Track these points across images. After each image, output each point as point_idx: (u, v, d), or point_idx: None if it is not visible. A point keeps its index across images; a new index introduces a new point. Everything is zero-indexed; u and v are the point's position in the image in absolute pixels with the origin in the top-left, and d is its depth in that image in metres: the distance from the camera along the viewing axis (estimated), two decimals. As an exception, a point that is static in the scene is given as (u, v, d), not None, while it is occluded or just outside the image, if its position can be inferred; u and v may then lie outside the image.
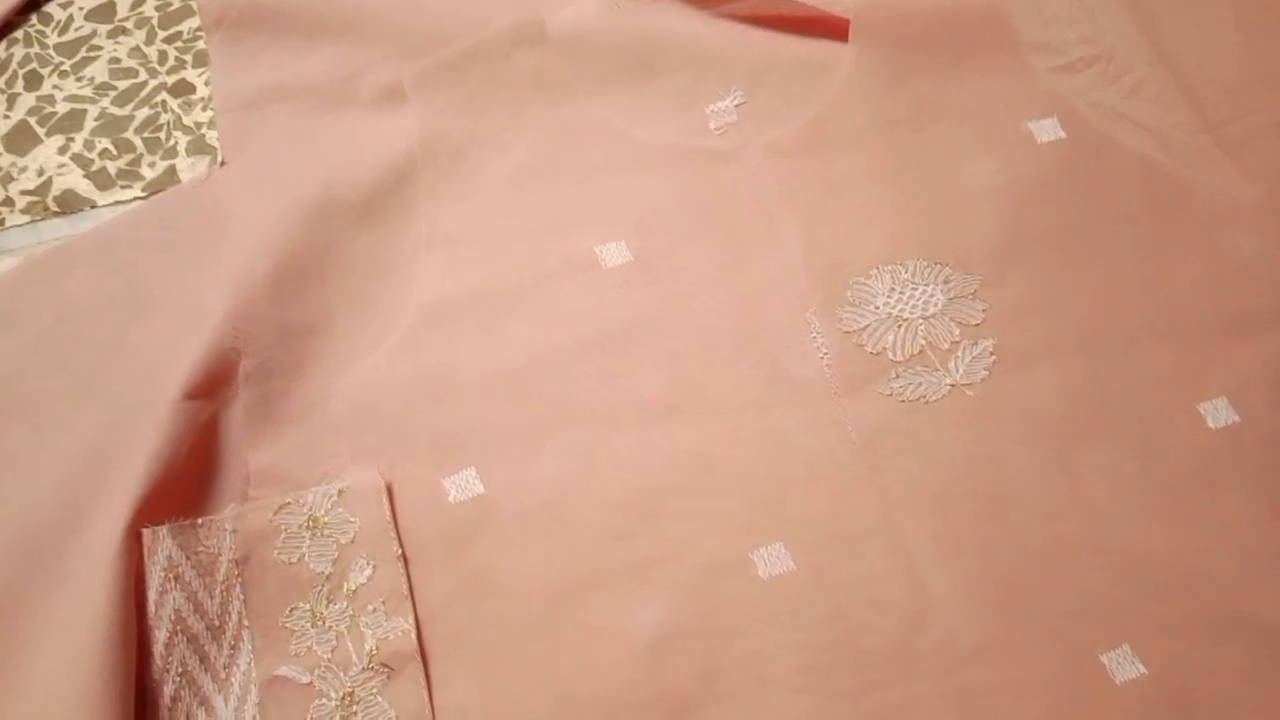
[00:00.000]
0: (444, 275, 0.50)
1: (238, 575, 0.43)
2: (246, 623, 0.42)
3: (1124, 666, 0.42)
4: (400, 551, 0.44)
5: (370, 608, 0.43)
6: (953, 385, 0.47)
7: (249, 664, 0.41)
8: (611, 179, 0.52)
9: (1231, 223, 0.50)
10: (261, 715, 0.40)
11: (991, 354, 0.48)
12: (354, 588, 0.43)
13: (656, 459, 0.46)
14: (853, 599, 0.44)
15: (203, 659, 0.41)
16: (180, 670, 0.41)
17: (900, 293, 0.49)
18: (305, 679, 0.41)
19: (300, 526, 0.44)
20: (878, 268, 0.50)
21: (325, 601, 0.43)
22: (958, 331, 0.48)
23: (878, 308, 0.49)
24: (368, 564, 0.43)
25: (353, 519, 0.45)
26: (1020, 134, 0.52)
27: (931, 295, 0.49)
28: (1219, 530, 0.44)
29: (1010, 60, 0.54)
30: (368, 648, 0.42)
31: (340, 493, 0.45)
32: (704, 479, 0.46)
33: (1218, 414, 0.46)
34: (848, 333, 0.49)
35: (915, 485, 0.45)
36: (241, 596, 0.42)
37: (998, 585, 0.43)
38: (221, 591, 0.42)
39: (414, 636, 0.42)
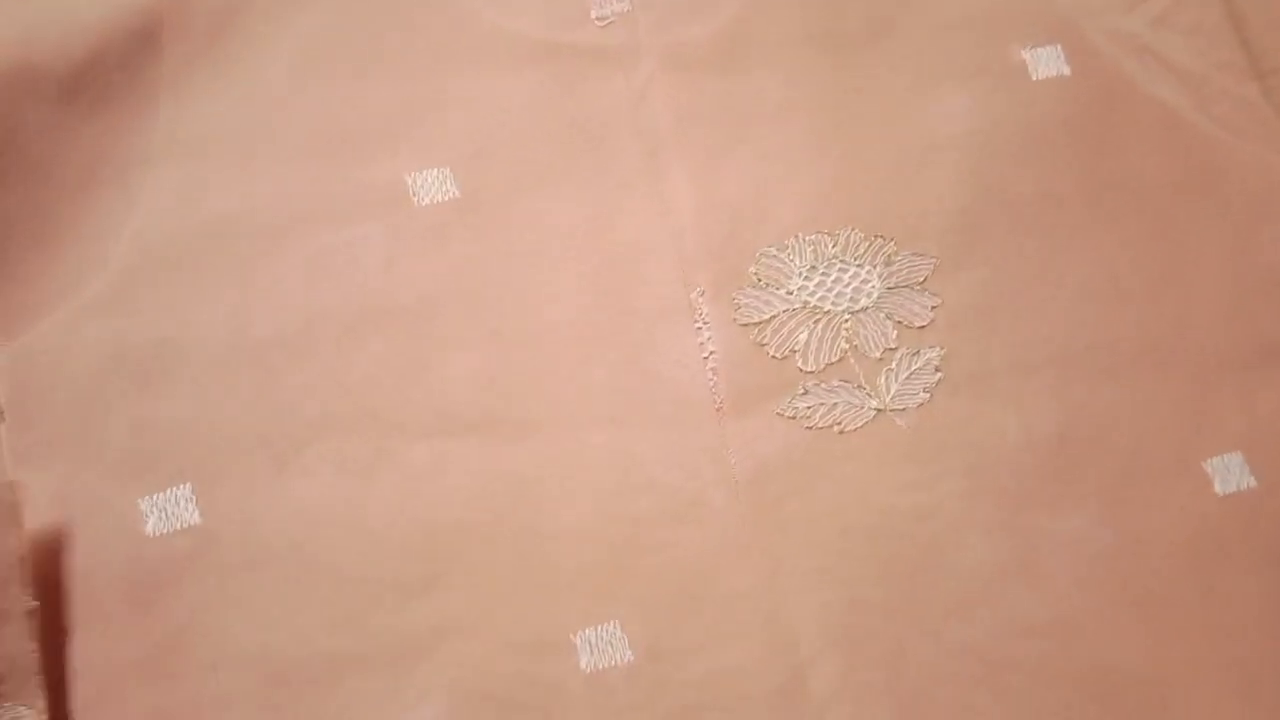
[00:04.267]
0: (178, 199, 0.37)
1: None
2: None
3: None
4: (33, 605, 0.31)
5: None
6: (879, 410, 0.35)
7: None
8: (441, 79, 0.39)
9: (1271, 212, 0.38)
10: None
11: (936, 369, 0.35)
12: None
13: (456, 486, 0.34)
14: (707, 702, 0.32)
15: None
16: None
17: (824, 274, 0.36)
18: None
19: None
20: (796, 236, 0.37)
21: None
22: (895, 335, 0.36)
23: (791, 293, 0.36)
24: None
25: None
26: (1009, 64, 0.39)
27: (865, 280, 0.36)
28: (1213, 643, 0.33)
29: (1005, -39, 0.40)
30: None
31: None
32: (520, 519, 0.34)
33: (1229, 475, 0.35)
34: (745, 326, 0.36)
35: (811, 546, 0.34)
36: None
37: (904, 696, 0.32)
38: None
39: None
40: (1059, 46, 0.39)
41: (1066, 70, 0.39)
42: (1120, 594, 0.34)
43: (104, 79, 0.38)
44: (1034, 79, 0.39)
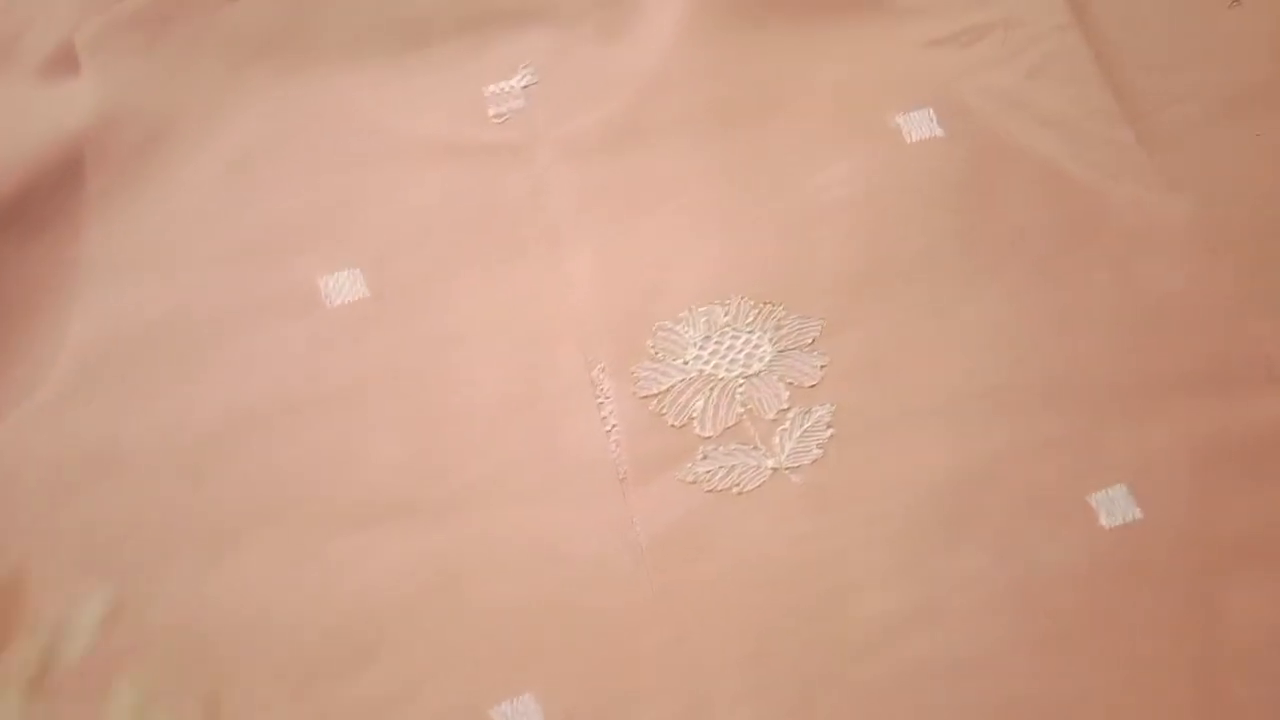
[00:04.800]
0: (112, 311, 0.38)
1: None
2: None
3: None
4: None
5: None
6: (775, 469, 0.36)
7: None
8: (348, 182, 0.41)
9: (1150, 249, 0.40)
10: None
11: (828, 426, 0.37)
12: None
13: (383, 569, 0.35)
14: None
15: None
16: None
17: (717, 342, 0.38)
18: None
19: None
20: (690, 308, 0.39)
21: None
22: (786, 396, 0.37)
23: (686, 363, 0.38)
24: None
25: None
26: (885, 129, 0.41)
27: (757, 346, 0.38)
28: (1112, 672, 0.34)
29: (879, 32, 0.42)
30: None
31: None
32: (442, 598, 0.35)
33: (1114, 507, 0.36)
34: (645, 398, 0.37)
35: (717, 605, 0.35)
36: None
37: None
38: None
39: None
40: (930, 110, 0.41)
41: (940, 131, 0.41)
42: (1019, 630, 0.34)
43: (33, 211, 0.40)
44: (909, 142, 0.41)
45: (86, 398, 0.37)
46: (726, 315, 0.38)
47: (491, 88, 0.42)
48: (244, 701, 0.34)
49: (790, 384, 0.37)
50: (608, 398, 0.38)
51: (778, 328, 0.38)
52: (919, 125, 0.41)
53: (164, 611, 0.34)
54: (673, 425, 0.37)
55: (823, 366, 0.38)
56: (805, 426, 0.37)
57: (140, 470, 0.36)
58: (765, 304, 0.38)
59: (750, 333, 0.38)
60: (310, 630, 0.34)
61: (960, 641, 0.34)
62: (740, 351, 0.38)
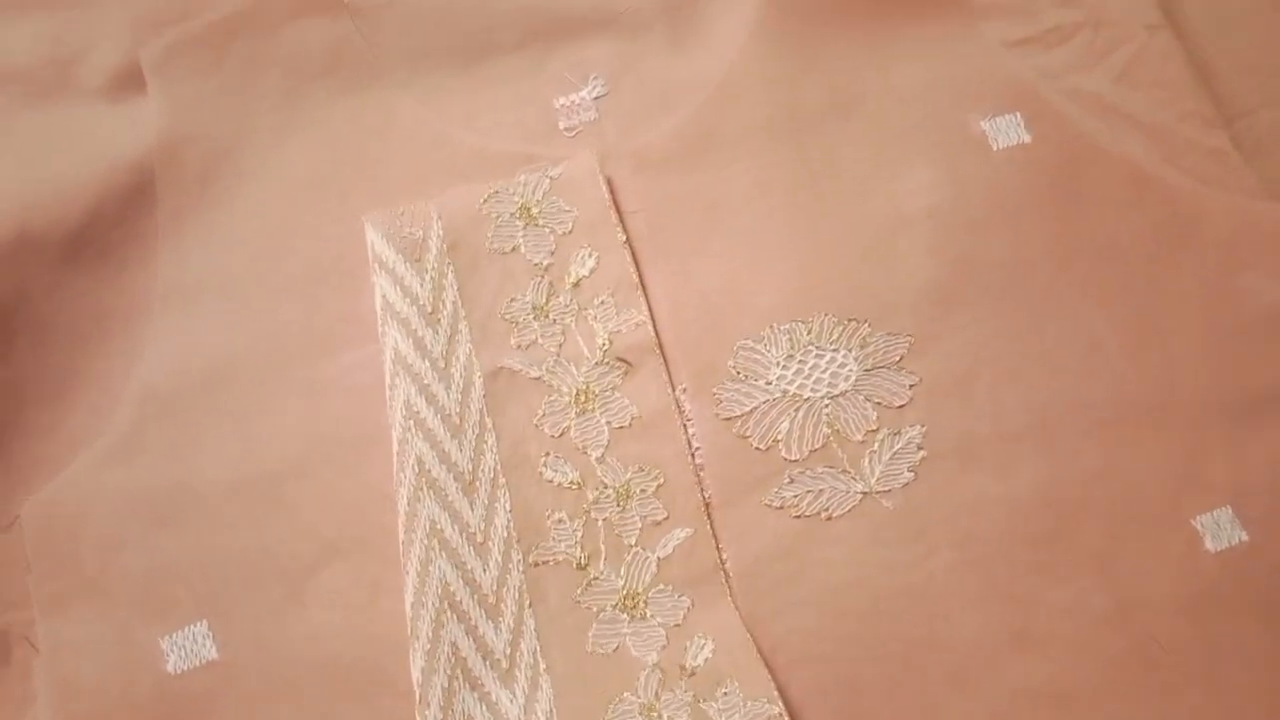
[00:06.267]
0: (181, 344, 0.38)
1: (449, 262, 0.38)
2: (463, 311, 0.38)
3: None
4: (625, 239, 0.39)
5: (598, 300, 0.38)
6: (865, 493, 0.35)
7: (469, 354, 0.37)
8: (420, 199, 0.39)
9: (1248, 258, 0.38)
10: (490, 408, 0.37)
11: (920, 448, 0.36)
12: (576, 280, 0.39)
13: None
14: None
15: (417, 344, 0.37)
16: (394, 354, 0.37)
17: (801, 361, 0.37)
18: (534, 373, 0.37)
19: (512, 215, 0.39)
20: (771, 326, 0.38)
21: (546, 294, 0.38)
22: (875, 416, 0.36)
23: (770, 383, 0.37)
24: (590, 255, 0.39)
25: (569, 208, 0.39)
26: (969, 136, 0.39)
27: (842, 365, 0.37)
28: (1218, 701, 0.33)
29: (959, 32, 0.41)
30: (599, 342, 0.37)
31: (552, 181, 0.40)
32: None
33: (1219, 531, 0.35)
34: (728, 420, 0.36)
35: (806, 633, 0.34)
36: (455, 284, 0.38)
37: None
38: (432, 279, 0.38)
39: (650, 329, 0.38)
40: (1018, 114, 0.39)
41: (1027, 137, 0.39)
42: (1121, 657, 0.33)
43: (103, 237, 0.39)
44: (995, 149, 0.39)
45: (158, 433, 0.37)
46: (809, 334, 0.37)
47: (561, 100, 0.41)
48: None
49: (878, 404, 0.36)
50: (690, 420, 0.37)
51: (863, 345, 0.37)
52: (1005, 131, 0.39)
53: (241, 650, 0.34)
54: (757, 448, 0.36)
55: (912, 386, 0.36)
56: (895, 449, 0.36)
57: (212, 508, 0.36)
58: (849, 320, 0.37)
59: (835, 350, 0.37)
60: (396, 660, 0.34)
61: (1060, 671, 0.33)
62: (825, 370, 0.37)
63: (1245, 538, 0.35)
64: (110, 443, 0.36)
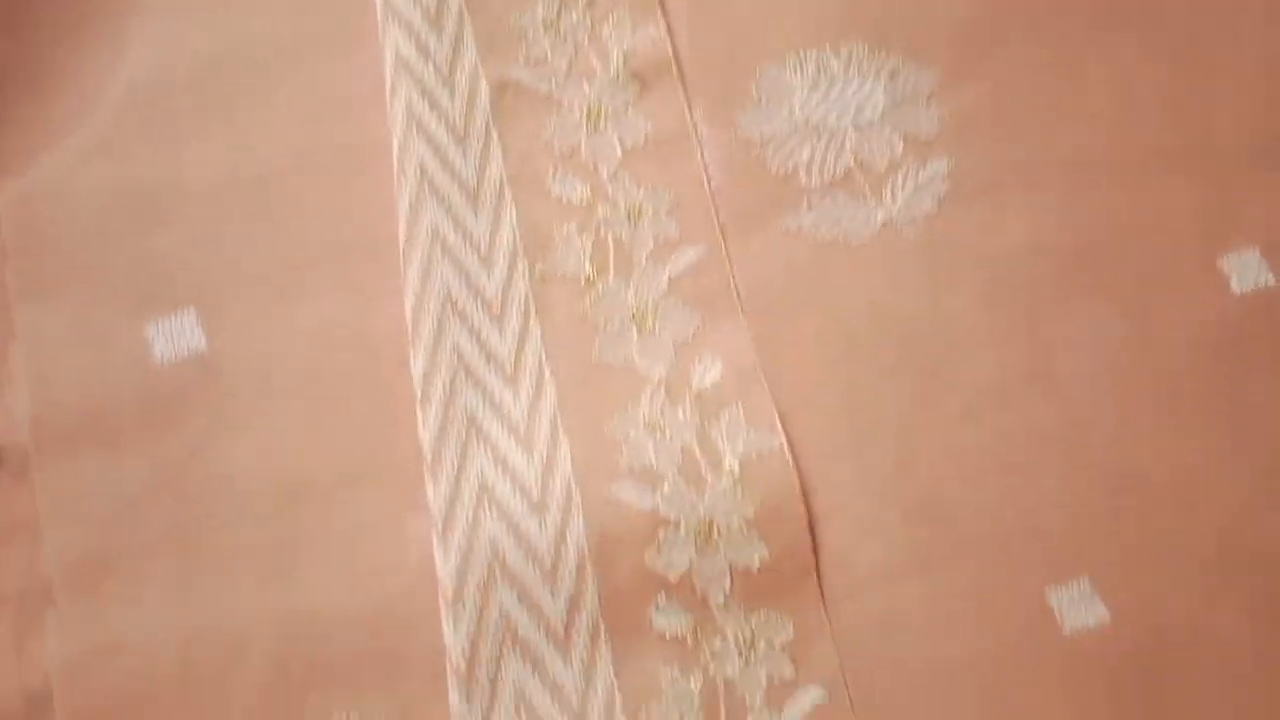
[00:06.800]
0: (167, 42, 0.36)
1: None
2: (468, 16, 0.36)
3: (1078, 609, 0.31)
4: None
5: (613, 16, 0.37)
6: (886, 222, 0.34)
7: (474, 63, 0.36)
8: None
9: None
10: (496, 120, 0.35)
11: (945, 180, 0.34)
12: None
13: None
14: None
15: (420, 47, 0.36)
16: (395, 56, 0.35)
17: (827, 90, 0.35)
18: (543, 88, 0.36)
19: None
20: (798, 52, 0.36)
21: (557, 9, 0.37)
22: (901, 147, 0.35)
23: (793, 110, 0.35)
24: None
25: None
26: None
27: (870, 95, 0.35)
28: (1231, 438, 0.32)
29: None
30: (613, 58, 0.36)
31: None
32: None
33: (1245, 271, 0.34)
34: (745, 144, 0.35)
35: (819, 359, 0.33)
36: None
37: (918, 490, 0.32)
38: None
39: (667, 46, 0.37)
40: None
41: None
42: (1137, 396, 0.33)
43: None
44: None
45: (144, 127, 0.35)
46: (838, 62, 0.36)
47: None
48: (316, 438, 0.32)
49: (905, 135, 0.35)
50: (704, 143, 0.35)
51: (892, 76, 0.35)
52: None
53: (229, 343, 0.33)
54: (776, 174, 0.35)
55: (941, 119, 0.35)
56: (920, 180, 0.35)
57: (200, 207, 0.35)
58: (880, 50, 0.36)
59: (863, 81, 0.35)
60: (386, 362, 0.33)
61: (1075, 409, 0.33)
62: (852, 101, 0.35)
63: (1272, 281, 0.34)
64: (93, 135, 0.35)
